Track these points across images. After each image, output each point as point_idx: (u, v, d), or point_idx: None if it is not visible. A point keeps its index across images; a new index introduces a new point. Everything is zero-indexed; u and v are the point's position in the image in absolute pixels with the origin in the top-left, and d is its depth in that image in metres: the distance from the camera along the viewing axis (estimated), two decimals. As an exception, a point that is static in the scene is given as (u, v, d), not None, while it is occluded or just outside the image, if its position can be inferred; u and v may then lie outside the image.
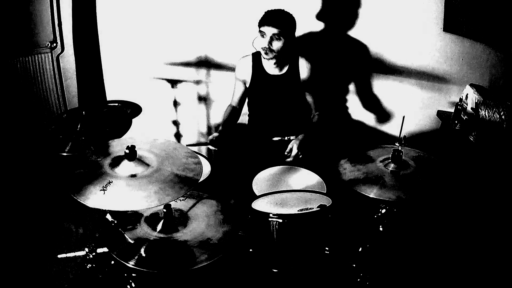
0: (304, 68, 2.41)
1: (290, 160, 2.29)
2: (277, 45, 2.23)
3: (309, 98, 2.51)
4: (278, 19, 2.20)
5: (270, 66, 2.40)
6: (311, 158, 2.46)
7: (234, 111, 2.57)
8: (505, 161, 2.29)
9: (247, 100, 2.60)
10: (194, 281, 1.84)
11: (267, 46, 2.23)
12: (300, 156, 2.30)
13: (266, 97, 2.47)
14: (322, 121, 2.51)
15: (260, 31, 2.24)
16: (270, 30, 2.20)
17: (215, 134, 2.28)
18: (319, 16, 2.74)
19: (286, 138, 2.56)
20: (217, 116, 3.11)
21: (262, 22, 2.23)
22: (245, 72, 2.46)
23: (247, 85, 2.49)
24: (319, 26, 2.77)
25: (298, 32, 2.36)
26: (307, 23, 2.72)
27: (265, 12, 2.25)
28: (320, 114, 2.52)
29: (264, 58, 2.30)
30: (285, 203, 1.86)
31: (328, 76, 2.83)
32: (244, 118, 2.71)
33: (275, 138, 2.55)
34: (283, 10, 2.27)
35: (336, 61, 2.86)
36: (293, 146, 2.29)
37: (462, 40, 2.69)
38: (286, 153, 2.31)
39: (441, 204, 2.53)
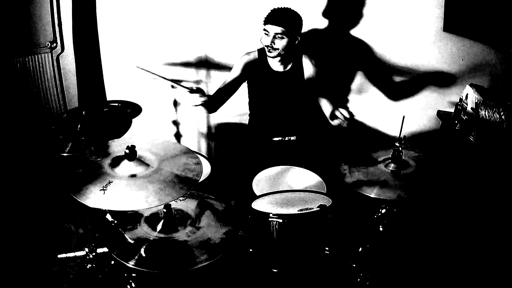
0: (307, 66, 2.41)
1: (346, 124, 1.99)
2: (279, 43, 2.23)
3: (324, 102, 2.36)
4: (282, 18, 2.20)
5: (274, 63, 2.40)
6: (311, 158, 2.47)
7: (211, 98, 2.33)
8: (505, 161, 2.29)
9: (248, 99, 2.60)
10: (194, 281, 1.84)
11: (270, 44, 2.23)
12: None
13: (268, 93, 2.46)
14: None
15: (264, 29, 2.24)
16: (273, 29, 2.20)
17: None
18: (323, 15, 2.74)
19: (286, 138, 2.56)
20: (217, 116, 3.11)
21: (266, 21, 2.23)
22: (249, 67, 2.43)
23: (249, 81, 2.48)
24: (322, 24, 2.77)
25: (302, 30, 2.34)
26: (310, 21, 2.71)
27: (271, 10, 2.24)
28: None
29: (268, 56, 2.31)
30: (285, 203, 1.86)
31: (330, 75, 2.82)
32: (244, 118, 2.71)
33: (276, 138, 2.56)
34: (289, 8, 2.25)
35: (337, 60, 2.86)
36: (340, 110, 1.99)
37: (462, 40, 2.69)
38: (337, 120, 2.00)
39: (441, 203, 2.53)
